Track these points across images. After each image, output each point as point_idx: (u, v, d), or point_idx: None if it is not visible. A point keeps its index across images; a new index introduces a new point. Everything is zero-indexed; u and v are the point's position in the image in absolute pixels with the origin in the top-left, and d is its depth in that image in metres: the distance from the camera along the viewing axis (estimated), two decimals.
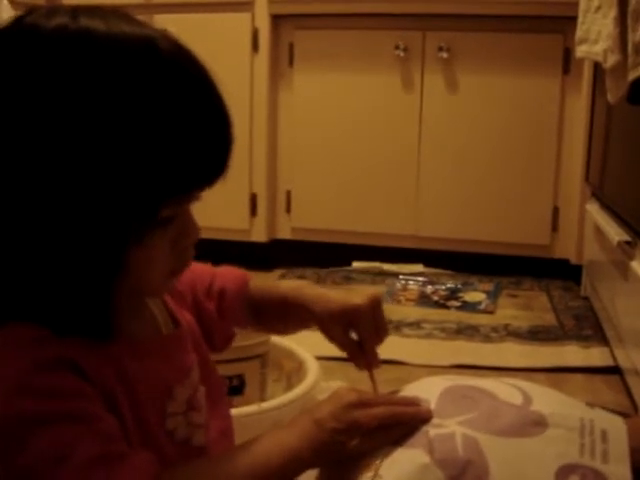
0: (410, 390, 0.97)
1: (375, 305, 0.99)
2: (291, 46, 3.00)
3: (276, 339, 1.64)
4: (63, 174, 0.70)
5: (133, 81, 0.70)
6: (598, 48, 1.99)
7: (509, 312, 2.55)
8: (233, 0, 2.94)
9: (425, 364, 2.06)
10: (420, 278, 2.90)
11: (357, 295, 1.01)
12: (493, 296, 2.69)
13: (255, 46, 2.96)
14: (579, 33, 2.23)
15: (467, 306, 2.59)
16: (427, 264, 3.00)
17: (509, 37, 2.81)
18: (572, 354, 2.15)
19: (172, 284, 0.86)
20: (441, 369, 2.00)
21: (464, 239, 2.93)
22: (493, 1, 2.74)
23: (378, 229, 3.00)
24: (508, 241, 2.90)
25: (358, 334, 1.00)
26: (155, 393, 0.81)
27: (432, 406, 0.89)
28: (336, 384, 1.64)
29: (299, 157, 3.04)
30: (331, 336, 1.00)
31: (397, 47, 2.86)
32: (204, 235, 2.90)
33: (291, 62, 3.01)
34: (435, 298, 2.68)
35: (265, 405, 1.41)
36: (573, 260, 2.83)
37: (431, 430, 0.85)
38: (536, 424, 0.86)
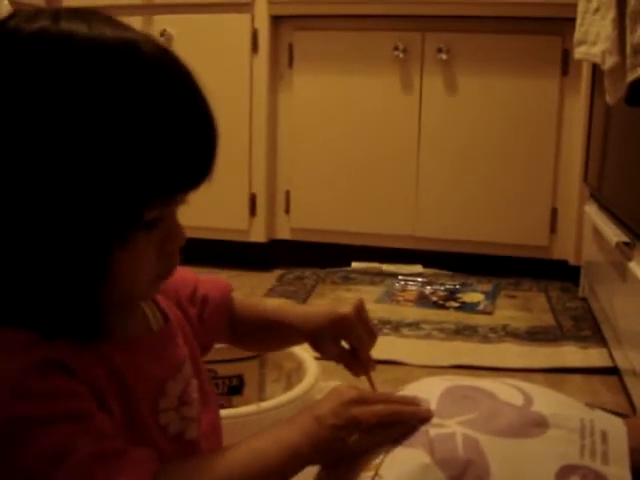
0: (410, 390, 0.98)
1: (361, 311, 1.02)
2: (291, 47, 3.01)
3: None
4: (44, 178, 0.69)
5: (114, 84, 0.70)
6: (596, 50, 2.00)
7: (507, 313, 2.55)
8: (233, 1, 2.94)
9: (424, 364, 2.06)
10: (419, 279, 2.91)
11: (341, 305, 1.04)
12: (492, 297, 2.70)
13: (255, 47, 2.96)
14: (577, 35, 2.23)
15: (466, 307, 2.60)
16: (426, 265, 3.01)
17: (508, 39, 2.81)
18: (570, 355, 2.16)
19: (156, 290, 0.86)
20: (440, 369, 2.00)
21: (463, 240, 2.94)
22: (492, 3, 2.74)
23: (377, 230, 3.01)
24: (507, 242, 2.91)
25: (350, 343, 1.02)
26: (147, 390, 0.82)
27: (432, 406, 0.90)
28: (335, 384, 1.64)
29: (298, 158, 3.04)
30: (324, 351, 1.03)
31: (396, 48, 2.86)
32: (204, 235, 2.90)
33: (291, 63, 3.02)
34: (434, 299, 2.69)
35: (264, 405, 1.41)
36: (571, 261, 2.83)
37: (431, 430, 0.86)
38: (537, 425, 0.87)
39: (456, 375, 1.15)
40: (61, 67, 0.69)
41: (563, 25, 2.68)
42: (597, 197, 2.50)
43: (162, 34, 2.91)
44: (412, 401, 0.90)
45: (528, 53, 2.80)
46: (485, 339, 2.28)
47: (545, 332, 2.35)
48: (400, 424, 0.86)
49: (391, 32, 2.89)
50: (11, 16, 0.73)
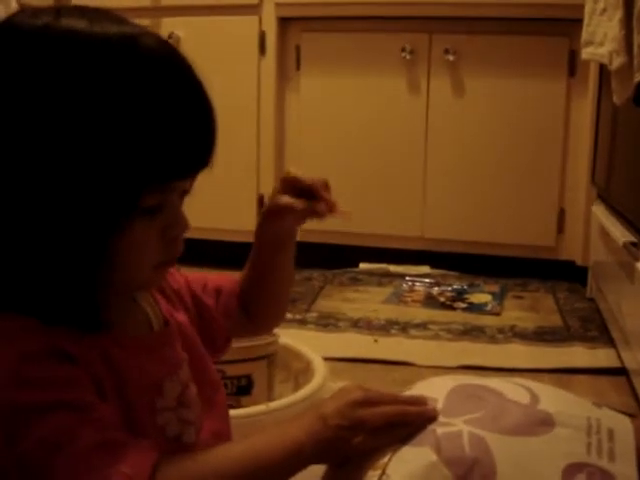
0: (418, 390, 0.98)
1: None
2: (298, 49, 3.01)
3: (284, 340, 1.65)
4: (42, 164, 0.72)
5: (112, 76, 0.72)
6: (604, 50, 2.00)
7: (515, 313, 2.55)
8: (240, 3, 2.96)
9: (432, 365, 2.06)
10: (426, 279, 2.91)
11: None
12: (499, 297, 2.70)
13: (262, 49, 2.97)
14: (585, 35, 2.23)
15: (473, 307, 2.60)
16: (433, 265, 3.01)
17: (515, 40, 2.81)
18: (578, 355, 2.16)
19: (161, 277, 0.88)
20: (447, 370, 2.00)
21: (470, 241, 2.94)
22: (499, 4, 2.74)
23: (385, 231, 3.01)
24: (514, 243, 2.91)
25: (305, 189, 1.05)
26: (144, 388, 0.82)
27: (440, 405, 0.90)
28: (343, 385, 1.65)
29: (306, 159, 3.04)
30: (281, 203, 1.02)
31: (403, 50, 2.86)
32: (213, 236, 2.91)
33: (298, 65, 3.02)
34: (441, 299, 2.69)
35: (273, 405, 1.42)
36: (579, 262, 2.83)
37: (438, 429, 0.86)
38: (543, 423, 0.87)
39: (463, 375, 1.16)
40: (61, 60, 0.72)
41: (570, 26, 2.68)
42: (604, 198, 2.50)
43: (170, 36, 2.92)
44: (419, 401, 0.90)
45: (535, 54, 2.80)
46: (492, 340, 2.28)
47: (553, 333, 2.35)
48: (406, 425, 0.86)
49: (398, 34, 2.89)
50: (16, 13, 0.77)
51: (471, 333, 2.34)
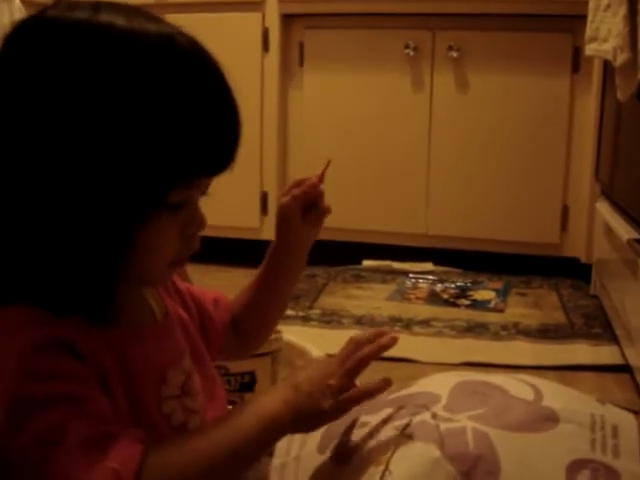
0: (421, 386, 0.98)
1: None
2: (301, 45, 3.01)
3: (287, 337, 1.65)
4: (77, 154, 0.74)
5: (148, 73, 0.74)
6: (608, 46, 2.00)
7: (519, 310, 2.55)
8: (244, 0, 2.95)
9: (435, 362, 2.06)
10: (430, 276, 2.91)
11: None
12: (503, 294, 2.70)
13: (265, 45, 2.97)
14: (589, 32, 2.23)
15: (477, 304, 2.60)
16: (437, 262, 3.01)
17: (519, 36, 2.81)
18: (582, 352, 2.16)
19: (171, 275, 0.90)
20: (451, 367, 2.00)
21: (474, 238, 2.94)
22: (502, 0, 2.74)
23: (388, 227, 3.01)
24: (518, 240, 2.91)
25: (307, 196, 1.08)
26: (151, 376, 0.84)
27: (443, 401, 0.90)
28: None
29: (309, 156, 3.04)
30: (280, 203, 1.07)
31: (407, 46, 2.86)
32: (216, 234, 2.90)
33: (301, 61, 3.02)
34: (445, 296, 2.69)
35: None
36: (583, 259, 2.83)
37: (442, 424, 0.86)
38: (547, 419, 0.87)
39: (467, 371, 1.15)
40: (101, 56, 0.74)
41: (574, 22, 2.67)
42: (608, 194, 2.50)
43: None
44: (375, 336, 0.91)
45: (539, 50, 2.80)
46: (496, 337, 2.28)
47: (556, 330, 2.35)
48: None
49: (402, 30, 2.89)
50: (52, 6, 0.78)
51: (475, 330, 2.34)
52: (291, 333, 1.71)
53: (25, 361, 0.73)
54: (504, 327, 2.36)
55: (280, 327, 1.52)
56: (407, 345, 2.19)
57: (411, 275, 2.93)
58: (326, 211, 1.10)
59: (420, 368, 2.01)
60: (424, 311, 2.53)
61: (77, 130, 0.73)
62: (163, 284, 0.93)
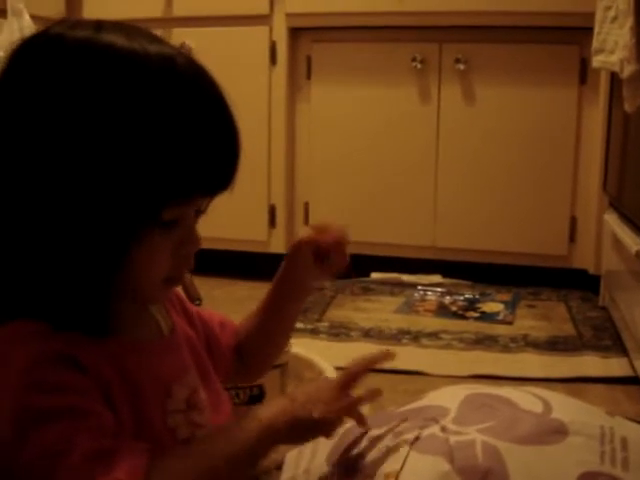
0: (430, 399, 0.98)
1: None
2: (309, 59, 3.02)
3: (296, 350, 1.65)
4: (71, 174, 0.74)
5: (145, 92, 0.75)
6: (614, 58, 2.00)
7: (527, 322, 2.54)
8: (251, 14, 2.96)
9: (444, 375, 2.06)
10: (438, 289, 2.90)
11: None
12: (511, 306, 2.69)
13: (273, 59, 2.98)
14: (595, 44, 2.23)
15: (485, 316, 2.59)
16: (445, 275, 3.01)
17: (526, 48, 2.81)
18: (591, 364, 2.15)
19: (168, 293, 0.91)
20: (460, 379, 2.00)
21: (482, 250, 2.93)
22: (509, 12, 2.74)
23: (396, 240, 3.01)
24: (526, 251, 2.90)
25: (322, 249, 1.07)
26: (155, 390, 0.84)
27: (452, 414, 0.90)
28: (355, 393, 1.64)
29: (317, 169, 3.05)
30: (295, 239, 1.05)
31: (414, 59, 2.87)
32: (224, 247, 2.91)
33: (309, 75, 3.03)
34: (453, 309, 2.68)
35: None
36: (591, 270, 2.82)
37: (451, 438, 0.86)
38: (556, 432, 0.87)
39: (476, 384, 1.15)
40: (101, 74, 0.75)
41: (581, 34, 2.68)
42: (616, 206, 2.49)
43: (181, 47, 2.93)
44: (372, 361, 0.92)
45: (546, 62, 2.80)
46: (505, 349, 2.28)
47: (565, 342, 2.34)
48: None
49: (409, 43, 2.89)
50: (56, 24, 0.79)
51: (483, 342, 2.33)
52: (300, 346, 1.71)
53: (28, 375, 0.73)
54: (513, 339, 2.36)
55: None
56: (416, 358, 2.19)
57: (419, 287, 2.93)
58: (339, 266, 1.11)
59: (429, 381, 2.01)
60: (433, 323, 2.53)
61: (73, 146, 0.74)
62: (160, 301, 0.93)
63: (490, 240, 2.92)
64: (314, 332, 2.41)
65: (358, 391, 0.88)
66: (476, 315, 2.61)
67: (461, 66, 2.83)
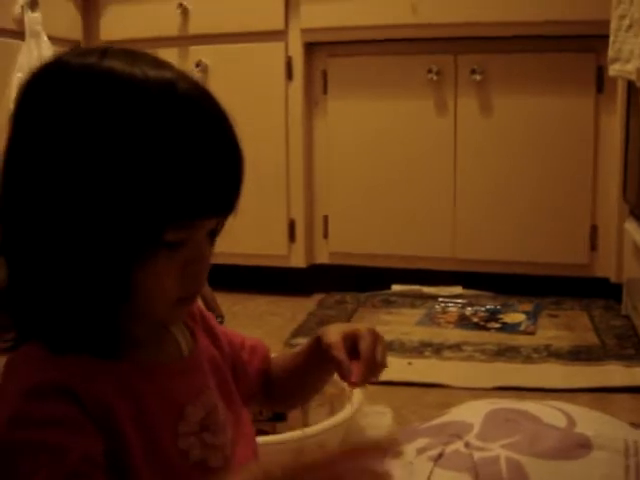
0: (453, 415, 0.98)
1: (378, 336, 0.99)
2: (324, 73, 3.03)
3: None
4: (71, 196, 0.75)
5: (147, 117, 0.75)
6: (630, 67, 2.00)
7: (550, 332, 2.53)
8: (267, 30, 2.98)
9: (467, 387, 2.06)
10: (459, 300, 2.90)
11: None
12: (533, 317, 2.68)
13: (289, 74, 2.99)
14: (611, 53, 2.23)
15: (507, 327, 2.59)
16: (466, 286, 3.00)
17: (541, 57, 2.81)
18: (615, 374, 2.14)
19: (182, 313, 0.88)
20: (483, 391, 1.99)
21: (502, 260, 2.93)
22: (524, 22, 2.75)
23: (416, 252, 3.01)
24: (547, 261, 2.89)
25: (359, 346, 0.98)
26: (166, 412, 0.83)
27: (476, 429, 0.90)
28: (379, 409, 1.64)
29: (335, 182, 3.06)
30: (329, 340, 0.98)
31: (430, 71, 2.87)
32: (244, 262, 2.92)
33: (325, 89, 3.04)
34: (475, 320, 2.68)
35: (308, 431, 1.42)
36: (613, 279, 2.81)
37: (476, 454, 0.86)
38: (580, 446, 0.87)
39: (500, 397, 1.15)
40: (100, 99, 0.75)
41: (596, 42, 2.67)
42: (637, 214, 2.48)
43: (198, 64, 2.96)
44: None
45: (562, 71, 2.80)
46: (528, 360, 2.27)
47: (588, 351, 2.33)
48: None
49: (424, 55, 2.90)
50: (67, 52, 0.81)
51: (505, 354, 2.32)
52: None
53: (15, 409, 0.73)
54: (535, 350, 2.35)
55: None
56: (438, 370, 2.18)
57: (440, 299, 2.92)
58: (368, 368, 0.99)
59: (452, 393, 2.00)
60: (454, 335, 2.52)
61: (73, 169, 0.75)
62: (173, 322, 0.90)
63: (510, 250, 2.91)
64: None
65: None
66: (498, 326, 2.60)
67: (477, 77, 2.83)
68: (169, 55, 0.81)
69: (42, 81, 0.79)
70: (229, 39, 3.01)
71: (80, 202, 0.75)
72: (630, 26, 2.03)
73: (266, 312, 2.78)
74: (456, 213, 2.95)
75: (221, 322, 2.31)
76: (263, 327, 2.54)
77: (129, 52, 0.80)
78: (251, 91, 2.96)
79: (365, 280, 3.07)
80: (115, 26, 3.08)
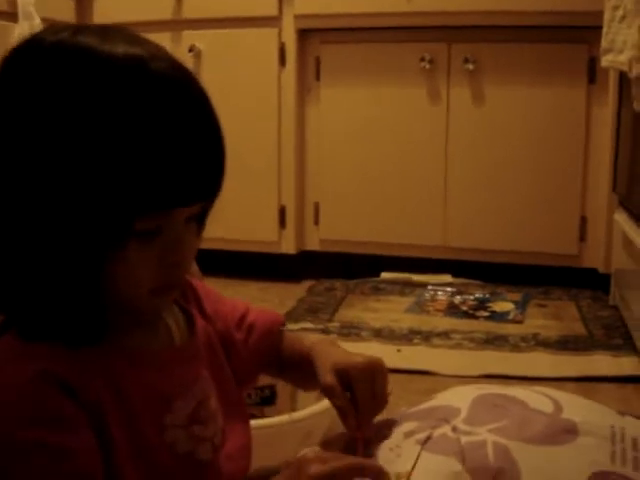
0: (441, 400, 0.98)
1: (375, 370, 0.94)
2: (317, 60, 3.03)
3: None
4: (38, 176, 0.72)
5: (115, 96, 0.72)
6: (623, 58, 2.00)
7: (538, 322, 2.55)
8: (260, 15, 2.97)
9: (455, 374, 2.06)
10: (449, 288, 2.91)
11: (360, 355, 0.96)
12: (522, 306, 2.69)
13: (282, 60, 2.99)
14: (604, 43, 2.23)
15: (496, 316, 2.60)
16: (455, 274, 3.01)
17: (534, 48, 2.82)
18: (602, 363, 2.15)
19: (163, 302, 0.84)
20: (471, 379, 2.00)
21: (492, 249, 2.94)
22: (518, 12, 2.75)
23: (406, 240, 3.01)
24: (536, 251, 2.90)
25: (352, 393, 0.93)
26: (151, 404, 0.81)
27: (463, 414, 0.90)
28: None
29: (327, 169, 3.06)
30: (325, 384, 0.94)
31: (423, 59, 2.87)
32: (235, 247, 2.92)
33: (318, 76, 3.04)
34: (464, 308, 2.69)
35: (296, 415, 1.42)
36: (601, 269, 2.82)
37: (463, 438, 0.86)
38: (567, 432, 0.87)
39: (487, 384, 1.16)
40: (70, 76, 0.72)
41: (589, 33, 2.68)
42: (626, 205, 2.49)
43: (191, 49, 2.95)
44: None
45: (555, 62, 2.80)
46: (516, 348, 2.28)
47: (576, 341, 2.34)
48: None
49: (417, 43, 2.90)
50: (42, 30, 0.78)
51: (494, 342, 2.33)
52: None
53: (14, 402, 0.72)
54: (523, 339, 2.36)
55: None
56: (426, 357, 2.19)
57: (430, 287, 2.93)
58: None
59: (440, 380, 2.01)
60: (443, 323, 2.53)
61: (39, 150, 0.72)
62: (156, 312, 0.86)
63: (500, 240, 2.92)
64: (325, 332, 2.42)
65: None
66: (486, 314, 2.61)
67: (470, 66, 2.84)
68: (162, 39, 0.78)
69: (16, 59, 0.76)
70: (223, 24, 3.00)
71: (46, 186, 0.72)
72: (624, 17, 2.03)
73: (256, 298, 2.78)
74: (447, 201, 2.95)
75: None
76: None
77: (105, 28, 0.76)
78: (244, 76, 2.96)
79: (355, 267, 3.08)
80: (109, 9, 3.06)
